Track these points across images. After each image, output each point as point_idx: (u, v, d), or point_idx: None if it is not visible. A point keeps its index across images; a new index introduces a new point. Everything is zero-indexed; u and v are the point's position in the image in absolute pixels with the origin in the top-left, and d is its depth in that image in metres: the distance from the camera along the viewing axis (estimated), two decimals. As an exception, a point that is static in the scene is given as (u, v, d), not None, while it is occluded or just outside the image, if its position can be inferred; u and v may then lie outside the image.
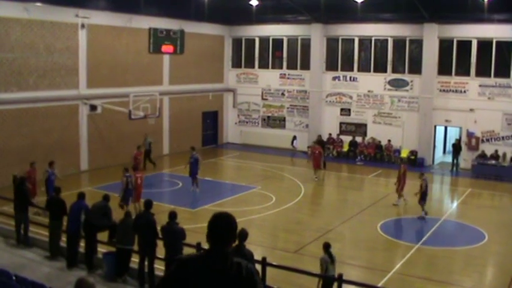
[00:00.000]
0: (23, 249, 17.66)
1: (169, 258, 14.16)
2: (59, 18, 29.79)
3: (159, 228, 14.72)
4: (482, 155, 33.80)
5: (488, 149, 34.00)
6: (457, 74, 35.26)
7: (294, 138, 40.74)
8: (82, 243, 16.40)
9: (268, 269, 14.15)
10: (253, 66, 42.86)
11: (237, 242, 12.21)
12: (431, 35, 35.10)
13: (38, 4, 28.75)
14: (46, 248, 17.22)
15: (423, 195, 24.21)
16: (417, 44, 36.40)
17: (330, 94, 39.51)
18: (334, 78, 39.32)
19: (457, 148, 34.90)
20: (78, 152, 31.49)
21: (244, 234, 12.02)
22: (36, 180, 23.07)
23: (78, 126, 31.56)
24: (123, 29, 33.89)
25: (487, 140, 34.39)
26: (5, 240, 18.52)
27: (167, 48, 37.22)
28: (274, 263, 14.90)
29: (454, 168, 34.83)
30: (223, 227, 4.90)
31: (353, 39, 38.67)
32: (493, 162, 33.27)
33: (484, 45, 34.24)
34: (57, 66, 29.93)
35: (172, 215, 14.49)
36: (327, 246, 14.25)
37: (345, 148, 38.29)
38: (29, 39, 28.39)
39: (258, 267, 13.84)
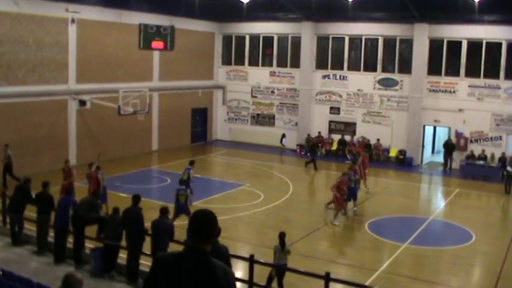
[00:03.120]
0: (11, 244, 17.58)
1: (156, 253, 14.25)
2: (48, 13, 29.66)
3: (148, 223, 14.73)
4: (471, 156, 33.94)
5: (476, 149, 34.15)
6: (446, 74, 35.42)
7: (283, 136, 40.79)
8: (70, 239, 16.35)
9: (256, 267, 14.16)
10: (243, 64, 42.85)
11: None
12: (421, 35, 35.22)
13: (28, -2, 28.65)
14: (34, 243, 17.16)
15: (348, 193, 23.97)
16: (407, 43, 36.51)
17: (319, 92, 39.55)
18: (324, 77, 39.38)
19: (449, 147, 35.11)
20: (67, 147, 31.38)
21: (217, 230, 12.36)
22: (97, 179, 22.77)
23: (67, 121, 31.47)
24: (113, 25, 33.78)
25: (476, 141, 34.54)
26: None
27: (157, 44, 37.11)
28: (262, 261, 14.89)
29: (448, 168, 35.15)
30: (201, 223, 4.86)
31: (343, 38, 38.74)
32: (481, 162, 33.40)
33: (474, 46, 34.38)
34: (46, 60, 29.81)
35: (164, 211, 14.59)
36: (281, 235, 14.83)
37: (334, 147, 38.37)
38: (18, 33, 28.26)
39: (246, 264, 13.88)
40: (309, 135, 39.34)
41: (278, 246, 14.68)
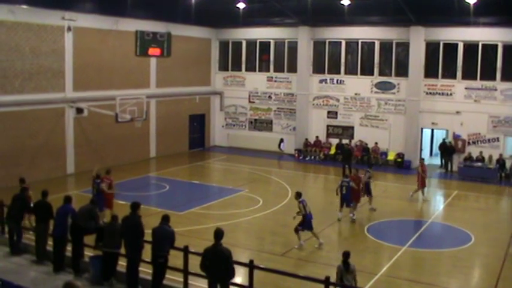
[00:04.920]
0: (10, 254, 17.52)
1: (156, 260, 14.21)
2: (45, 21, 29.63)
3: (149, 230, 14.66)
4: (469, 157, 33.94)
5: (474, 151, 34.17)
6: (443, 76, 35.46)
7: (281, 141, 40.80)
8: (69, 247, 16.30)
9: (256, 272, 14.12)
10: (240, 69, 42.87)
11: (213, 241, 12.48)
12: (417, 38, 35.26)
13: (24, 6, 28.54)
14: (33, 252, 17.11)
15: (342, 199, 24.08)
16: (404, 46, 36.55)
17: (317, 97, 39.56)
18: (321, 81, 39.40)
19: (445, 149, 35.12)
20: (64, 155, 31.34)
21: (220, 234, 12.40)
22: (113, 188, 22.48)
23: (65, 129, 31.39)
24: (109, 32, 33.76)
25: (473, 143, 34.57)
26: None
27: (154, 51, 37.15)
28: (261, 266, 14.88)
29: (449, 170, 35.16)
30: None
31: (340, 42, 38.79)
32: (479, 164, 33.41)
33: (470, 48, 34.45)
34: (43, 69, 29.76)
35: (165, 218, 14.52)
36: (345, 255, 13.84)
37: (332, 151, 38.33)
38: (14, 41, 28.22)
39: (245, 270, 13.84)
40: (306, 139, 39.34)
41: (341, 266, 13.74)
